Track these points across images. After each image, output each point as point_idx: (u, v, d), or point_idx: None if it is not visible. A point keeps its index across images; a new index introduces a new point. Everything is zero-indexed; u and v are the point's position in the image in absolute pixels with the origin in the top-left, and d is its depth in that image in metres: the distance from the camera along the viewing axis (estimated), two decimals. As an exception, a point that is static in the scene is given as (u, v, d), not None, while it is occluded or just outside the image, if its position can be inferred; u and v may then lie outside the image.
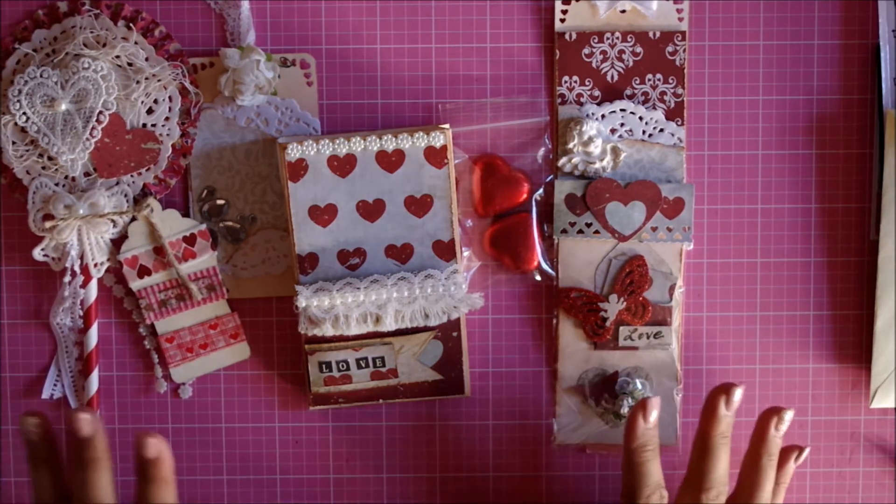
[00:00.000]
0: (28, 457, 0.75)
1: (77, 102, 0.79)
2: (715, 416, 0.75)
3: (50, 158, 0.80)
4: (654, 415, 0.76)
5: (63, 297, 0.82)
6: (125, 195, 0.81)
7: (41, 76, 0.79)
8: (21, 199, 0.82)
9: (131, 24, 0.80)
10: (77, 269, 0.81)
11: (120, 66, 0.80)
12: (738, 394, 0.75)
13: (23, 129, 0.79)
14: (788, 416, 0.77)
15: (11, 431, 0.84)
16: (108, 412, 0.84)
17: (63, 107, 0.79)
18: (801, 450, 0.80)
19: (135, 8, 0.81)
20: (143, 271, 0.82)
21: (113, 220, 0.81)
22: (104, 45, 0.80)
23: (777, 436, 0.77)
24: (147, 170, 0.81)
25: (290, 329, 0.83)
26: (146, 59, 0.80)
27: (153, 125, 0.81)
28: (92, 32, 0.80)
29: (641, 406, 0.76)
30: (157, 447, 0.72)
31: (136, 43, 0.80)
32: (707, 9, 0.82)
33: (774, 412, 0.77)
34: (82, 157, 0.80)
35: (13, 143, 0.80)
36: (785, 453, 0.80)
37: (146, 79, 0.80)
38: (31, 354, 0.84)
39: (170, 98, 0.81)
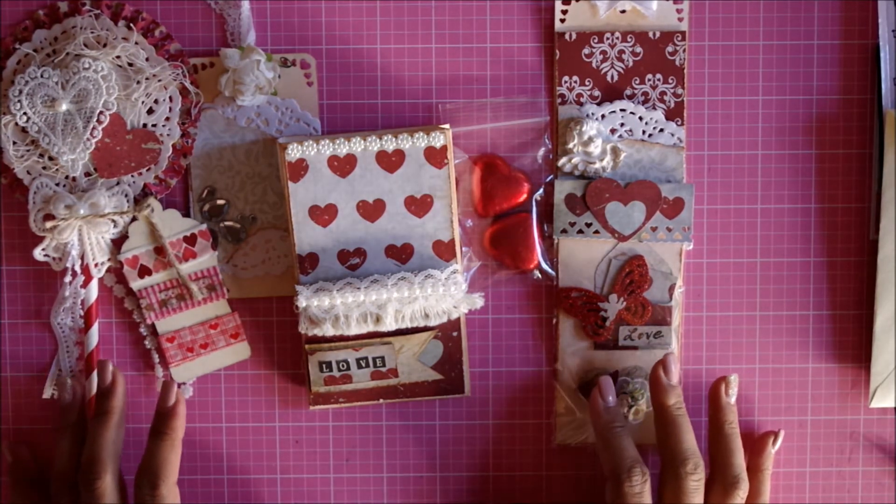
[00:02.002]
0: (58, 422, 0.80)
1: (77, 102, 0.79)
2: (661, 387, 0.79)
3: (51, 158, 0.80)
4: (610, 397, 0.80)
5: (64, 297, 0.82)
6: (126, 195, 0.81)
7: (42, 76, 0.79)
8: (22, 199, 0.82)
9: (132, 25, 0.80)
10: (78, 269, 0.81)
11: (120, 66, 0.80)
12: (673, 361, 0.79)
13: (23, 130, 0.80)
14: (734, 380, 0.80)
15: (12, 431, 0.84)
16: (109, 412, 0.84)
17: (63, 107, 0.79)
18: (776, 434, 0.82)
19: (135, 8, 0.81)
20: (144, 271, 0.82)
21: (113, 220, 0.81)
22: (105, 46, 0.80)
23: (729, 402, 0.80)
24: (147, 170, 0.81)
25: (290, 329, 0.83)
26: (146, 60, 0.80)
27: (154, 125, 0.81)
28: (92, 32, 0.80)
29: (598, 388, 0.80)
30: (177, 395, 0.79)
31: (136, 43, 0.80)
32: (707, 9, 0.82)
33: (721, 381, 0.81)
34: (83, 157, 0.80)
35: (14, 143, 0.80)
36: (762, 440, 0.82)
37: (146, 79, 0.80)
38: (31, 354, 0.84)
39: (170, 98, 0.81)
